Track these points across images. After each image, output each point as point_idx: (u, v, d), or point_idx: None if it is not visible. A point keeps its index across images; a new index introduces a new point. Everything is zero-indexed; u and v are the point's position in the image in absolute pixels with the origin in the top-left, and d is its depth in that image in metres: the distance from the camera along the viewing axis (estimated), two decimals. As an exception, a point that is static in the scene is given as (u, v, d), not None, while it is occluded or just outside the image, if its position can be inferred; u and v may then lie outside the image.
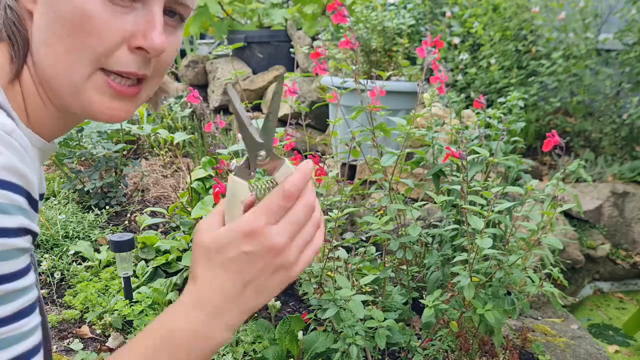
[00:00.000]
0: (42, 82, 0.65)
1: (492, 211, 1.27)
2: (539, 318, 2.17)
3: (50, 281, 2.07)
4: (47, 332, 0.67)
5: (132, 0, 0.61)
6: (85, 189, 2.64)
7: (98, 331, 1.79)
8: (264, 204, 0.57)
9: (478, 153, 1.46)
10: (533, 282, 1.37)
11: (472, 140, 1.63)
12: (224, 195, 0.68)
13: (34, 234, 0.57)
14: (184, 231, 2.21)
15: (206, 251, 0.59)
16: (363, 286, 1.67)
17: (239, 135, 3.14)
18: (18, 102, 0.64)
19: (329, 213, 1.41)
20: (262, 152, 0.59)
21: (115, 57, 0.61)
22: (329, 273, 1.43)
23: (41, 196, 0.73)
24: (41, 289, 2.04)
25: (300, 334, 1.61)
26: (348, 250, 1.83)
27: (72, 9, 0.59)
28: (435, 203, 1.49)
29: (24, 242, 0.54)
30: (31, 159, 0.57)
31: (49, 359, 0.67)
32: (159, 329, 0.59)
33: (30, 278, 0.56)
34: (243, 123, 0.58)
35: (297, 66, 4.25)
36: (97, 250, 2.25)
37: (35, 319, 0.55)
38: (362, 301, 1.31)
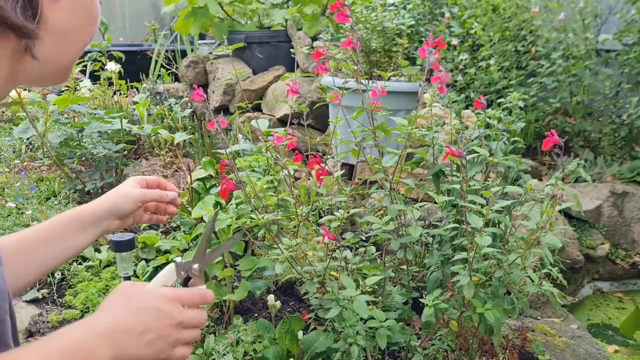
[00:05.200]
0: (29, 64, 0.62)
1: (491, 210, 1.27)
2: (539, 318, 2.17)
3: (50, 281, 2.07)
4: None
5: None
6: (86, 189, 2.65)
7: (99, 331, 1.80)
8: (186, 290, 0.76)
9: (478, 153, 1.46)
10: (532, 281, 1.37)
11: (472, 140, 1.63)
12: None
13: None
14: (184, 231, 2.21)
15: (128, 294, 0.71)
16: (366, 286, 1.68)
17: (240, 136, 3.14)
18: None
19: (334, 213, 1.41)
20: (196, 266, 0.78)
21: None
22: (332, 273, 1.44)
23: None
24: (41, 288, 2.04)
25: (300, 333, 1.62)
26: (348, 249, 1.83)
27: (95, 3, 0.67)
28: (435, 203, 1.49)
29: None
30: None
31: None
32: (53, 340, 0.65)
33: None
34: (202, 248, 0.78)
35: (297, 66, 4.25)
36: (98, 250, 2.26)
37: None
38: (365, 301, 1.32)
